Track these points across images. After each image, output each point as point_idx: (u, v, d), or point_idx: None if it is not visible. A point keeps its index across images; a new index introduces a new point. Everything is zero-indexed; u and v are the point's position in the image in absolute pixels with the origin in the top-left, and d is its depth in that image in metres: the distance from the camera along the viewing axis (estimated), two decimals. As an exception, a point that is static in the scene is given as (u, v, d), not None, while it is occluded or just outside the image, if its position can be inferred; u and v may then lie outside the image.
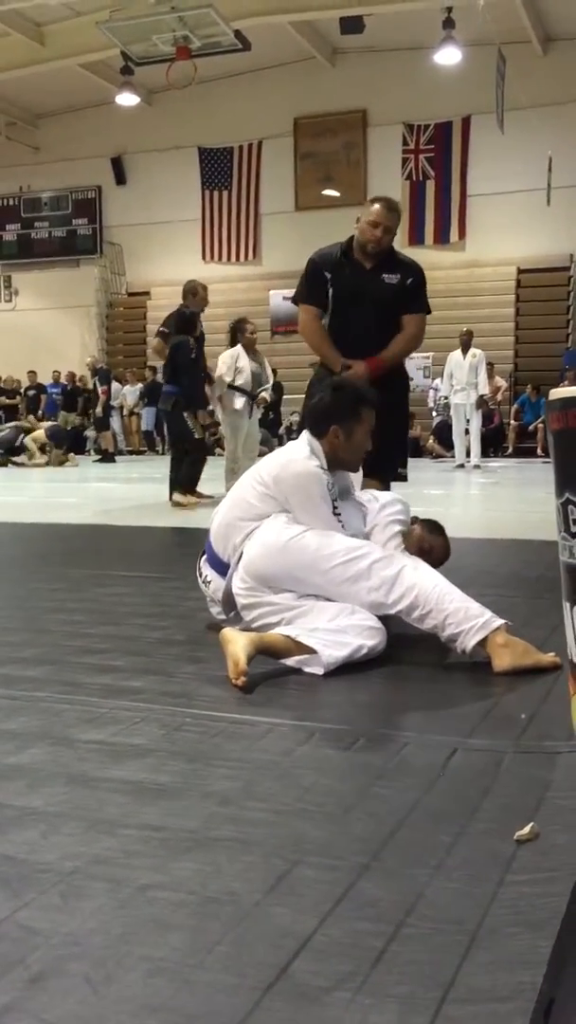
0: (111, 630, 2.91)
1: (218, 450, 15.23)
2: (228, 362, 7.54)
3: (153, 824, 1.50)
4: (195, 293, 7.53)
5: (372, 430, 2.82)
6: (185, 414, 7.17)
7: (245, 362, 7.56)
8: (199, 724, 1.98)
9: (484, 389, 12.32)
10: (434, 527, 3.01)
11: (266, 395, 7.84)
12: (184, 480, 7.22)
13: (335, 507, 2.64)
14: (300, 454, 2.71)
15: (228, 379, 7.50)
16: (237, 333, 7.72)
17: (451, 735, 1.92)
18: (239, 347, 7.65)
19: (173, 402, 7.18)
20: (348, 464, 2.82)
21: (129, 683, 2.30)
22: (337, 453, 2.74)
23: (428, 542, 2.91)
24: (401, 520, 2.85)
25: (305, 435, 2.79)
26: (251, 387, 7.59)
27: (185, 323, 7.30)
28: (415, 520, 3.01)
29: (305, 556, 2.53)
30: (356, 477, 3.01)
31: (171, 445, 7.53)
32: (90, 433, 16.71)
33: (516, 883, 1.30)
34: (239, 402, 7.54)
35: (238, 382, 7.53)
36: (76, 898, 1.27)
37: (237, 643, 2.30)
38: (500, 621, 2.37)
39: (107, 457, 14.70)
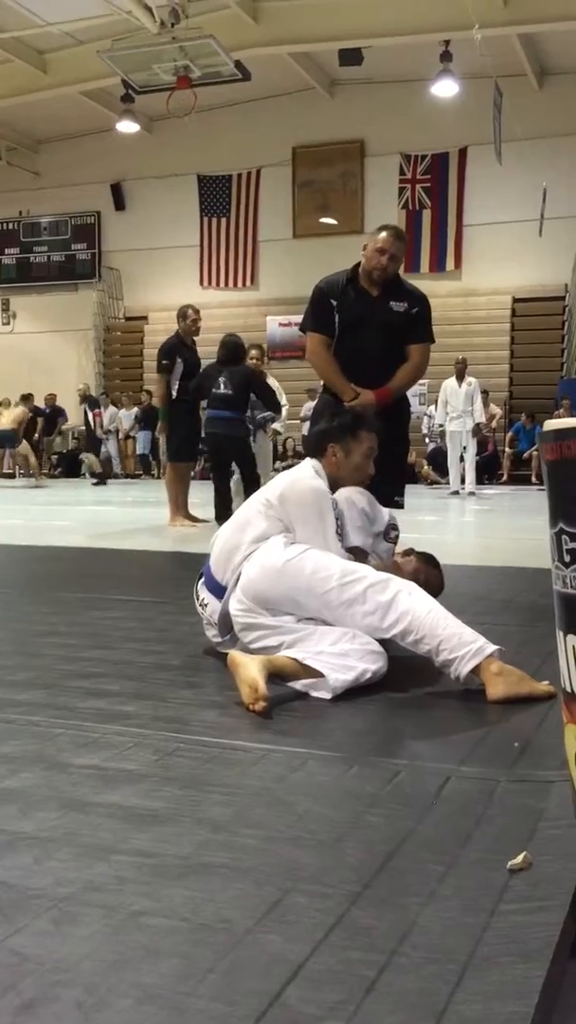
0: (105, 654, 2.90)
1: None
2: None
3: (146, 850, 1.50)
4: (184, 317, 7.54)
5: (374, 456, 2.86)
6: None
7: None
8: (192, 749, 1.98)
9: (480, 417, 12.37)
10: (429, 559, 3.07)
11: (278, 426, 7.87)
12: (219, 510, 7.17)
13: (338, 526, 2.68)
14: (306, 474, 2.76)
15: None
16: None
17: (445, 763, 1.92)
18: None
19: (250, 431, 7.20)
20: (349, 486, 2.84)
21: (123, 708, 2.30)
22: (338, 473, 2.79)
23: (425, 573, 2.96)
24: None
25: (308, 460, 2.85)
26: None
27: (241, 352, 7.27)
28: (412, 552, 3.05)
29: (301, 579, 2.53)
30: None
31: (218, 468, 7.48)
32: (85, 456, 16.85)
33: (509, 912, 1.30)
34: None
35: None
36: (68, 924, 1.27)
37: (250, 667, 2.28)
38: (494, 647, 2.37)
39: (98, 479, 14.82)
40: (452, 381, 12.29)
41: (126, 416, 17.55)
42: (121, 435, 17.66)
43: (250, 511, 2.77)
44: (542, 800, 1.69)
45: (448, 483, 12.69)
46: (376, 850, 1.50)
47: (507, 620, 3.40)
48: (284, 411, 8.07)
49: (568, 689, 1.31)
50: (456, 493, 12.18)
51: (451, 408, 12.24)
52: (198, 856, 1.48)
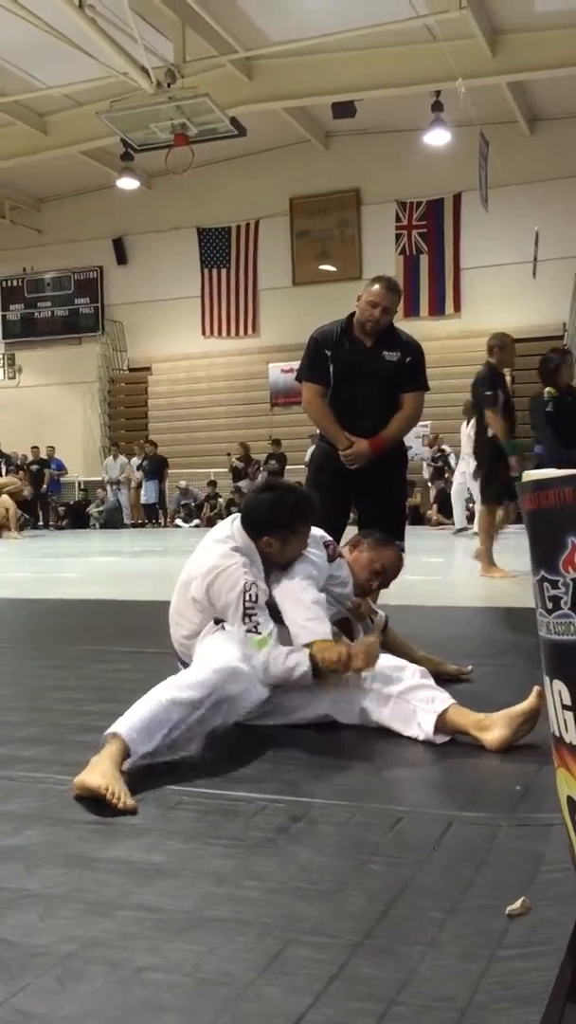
0: (111, 707, 2.88)
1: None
2: None
3: (149, 905, 1.51)
4: (503, 347, 6.84)
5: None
6: None
7: None
8: (196, 802, 2.00)
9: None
10: (379, 540, 2.94)
11: None
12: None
13: (252, 612, 2.50)
14: (222, 558, 2.58)
15: None
16: None
17: (447, 809, 1.93)
18: None
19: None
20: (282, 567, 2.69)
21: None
22: (271, 558, 2.64)
23: (378, 561, 2.88)
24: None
25: (235, 526, 2.68)
26: None
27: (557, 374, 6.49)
28: (358, 542, 2.96)
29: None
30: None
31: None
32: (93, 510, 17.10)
33: (507, 958, 1.31)
34: None
35: None
36: (72, 981, 1.29)
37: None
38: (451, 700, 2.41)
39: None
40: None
41: (131, 466, 17.67)
42: (133, 484, 17.76)
43: (182, 598, 2.66)
44: (542, 844, 1.71)
45: (453, 523, 12.70)
46: (377, 899, 1.51)
47: (512, 661, 3.41)
48: None
49: (557, 734, 1.33)
50: (462, 530, 12.17)
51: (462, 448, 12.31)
52: (200, 910, 1.49)
